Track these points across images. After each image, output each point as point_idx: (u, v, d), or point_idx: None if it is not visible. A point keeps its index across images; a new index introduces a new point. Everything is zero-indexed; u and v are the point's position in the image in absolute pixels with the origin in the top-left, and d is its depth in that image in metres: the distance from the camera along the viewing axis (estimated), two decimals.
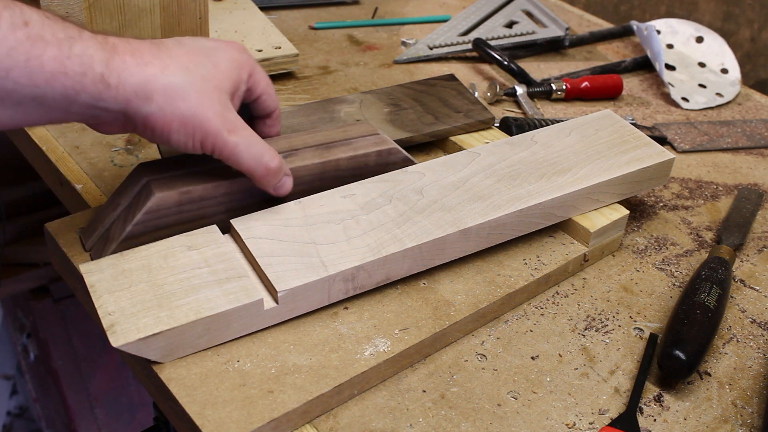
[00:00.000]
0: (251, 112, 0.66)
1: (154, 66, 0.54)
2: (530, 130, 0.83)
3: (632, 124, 0.91)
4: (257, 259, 0.61)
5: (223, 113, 0.57)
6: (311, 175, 0.67)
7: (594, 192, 0.72)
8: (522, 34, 1.13)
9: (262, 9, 1.13)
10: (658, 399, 0.62)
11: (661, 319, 0.69)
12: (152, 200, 0.61)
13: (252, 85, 0.62)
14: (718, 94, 1.07)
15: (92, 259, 0.62)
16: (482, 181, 0.71)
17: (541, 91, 1.01)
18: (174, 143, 0.57)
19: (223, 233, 0.64)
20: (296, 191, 0.66)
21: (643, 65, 1.12)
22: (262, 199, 0.65)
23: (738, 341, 0.68)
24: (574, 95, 1.02)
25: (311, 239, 0.63)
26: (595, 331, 0.67)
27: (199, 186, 0.62)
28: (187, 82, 0.55)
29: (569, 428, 0.58)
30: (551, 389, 0.61)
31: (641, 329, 0.68)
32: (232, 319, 0.58)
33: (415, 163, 0.72)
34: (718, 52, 1.14)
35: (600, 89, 1.03)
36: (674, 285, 0.73)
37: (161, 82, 0.54)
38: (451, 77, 0.95)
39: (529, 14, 1.20)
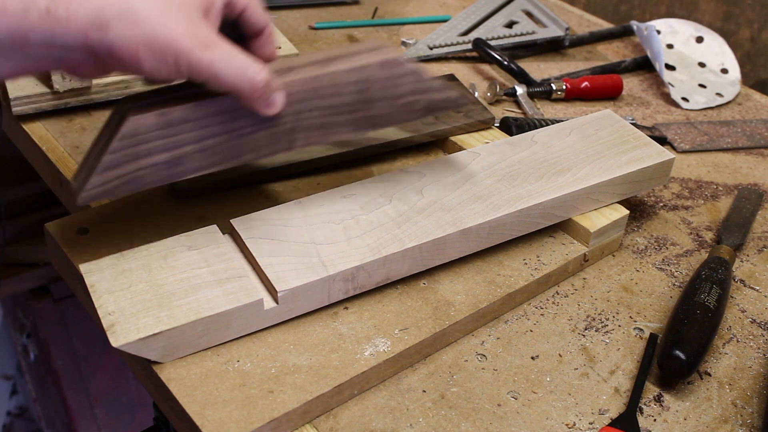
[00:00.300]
0: (239, 30, 0.60)
1: None
2: (530, 130, 0.83)
3: (632, 124, 0.91)
4: (257, 259, 0.61)
5: (193, 30, 0.52)
6: (306, 90, 0.60)
7: (594, 192, 0.72)
8: (522, 34, 1.13)
9: None
10: (658, 399, 0.62)
11: (661, 319, 0.69)
12: (127, 124, 0.55)
13: (230, 7, 0.57)
14: (718, 94, 1.07)
15: (76, 195, 0.57)
16: (482, 181, 0.71)
17: (541, 91, 1.01)
18: (148, 72, 0.52)
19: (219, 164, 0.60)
20: (290, 111, 0.60)
21: (643, 65, 1.12)
22: (253, 121, 0.59)
23: (738, 341, 0.68)
24: (574, 95, 1.02)
25: (311, 239, 0.63)
26: (595, 331, 0.67)
27: (177, 107, 0.56)
28: (145, 2, 0.51)
29: (569, 428, 0.58)
30: (551, 389, 0.61)
31: (641, 329, 0.68)
32: (232, 319, 0.58)
33: (433, 80, 0.65)
34: (718, 52, 1.14)
35: (600, 89, 1.03)
36: (674, 285, 0.73)
37: (116, 6, 0.50)
38: (451, 77, 0.95)
39: (529, 14, 1.20)
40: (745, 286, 0.74)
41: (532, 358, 0.64)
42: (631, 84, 1.08)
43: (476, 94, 0.97)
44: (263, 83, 0.55)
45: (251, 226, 0.63)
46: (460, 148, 0.84)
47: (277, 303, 0.59)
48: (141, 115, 0.55)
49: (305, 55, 0.65)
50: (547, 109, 1.00)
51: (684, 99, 1.05)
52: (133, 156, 0.56)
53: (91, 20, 0.49)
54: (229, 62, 0.54)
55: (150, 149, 0.56)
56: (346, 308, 0.64)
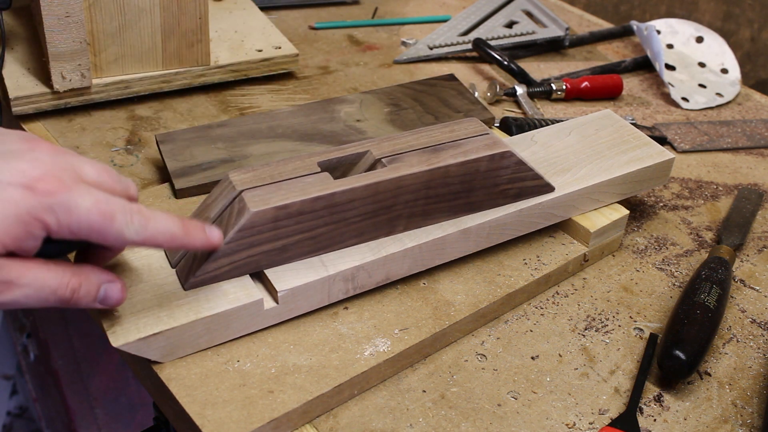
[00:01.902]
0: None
1: None
2: (530, 130, 0.83)
3: (632, 124, 0.91)
4: None
5: None
6: (418, 183, 0.62)
7: (594, 192, 0.72)
8: (522, 34, 1.13)
9: (262, 9, 1.13)
10: (658, 399, 0.62)
11: (661, 319, 0.69)
12: (247, 217, 0.56)
13: (68, 235, 0.48)
14: (718, 94, 1.07)
15: (179, 278, 0.58)
16: None
17: (541, 91, 1.01)
18: None
19: (322, 252, 0.61)
20: (401, 200, 0.62)
21: (643, 65, 1.12)
22: (363, 212, 0.61)
23: (738, 341, 0.68)
24: (574, 95, 1.02)
25: None
26: (595, 331, 0.67)
27: (296, 201, 0.58)
28: None
29: (569, 428, 0.58)
30: (551, 389, 0.61)
31: (641, 329, 0.68)
32: (232, 319, 0.58)
33: (531, 170, 0.67)
34: (718, 52, 1.14)
35: (600, 89, 1.03)
36: (674, 285, 0.73)
37: None
38: (451, 77, 0.95)
39: (529, 14, 1.20)
40: (745, 286, 0.74)
41: (532, 358, 0.64)
42: (631, 84, 1.08)
43: (476, 94, 0.97)
44: (71, 295, 0.50)
45: None
46: None
47: (277, 303, 0.59)
48: (262, 209, 0.57)
49: (407, 135, 0.66)
50: (547, 109, 1.00)
51: (684, 99, 1.05)
52: (248, 245, 0.58)
53: None
54: (35, 293, 0.48)
55: (264, 238, 0.58)
56: (346, 308, 0.64)
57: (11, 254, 0.47)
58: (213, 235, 0.55)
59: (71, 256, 0.59)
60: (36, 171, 0.48)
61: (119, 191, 0.52)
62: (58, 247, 0.50)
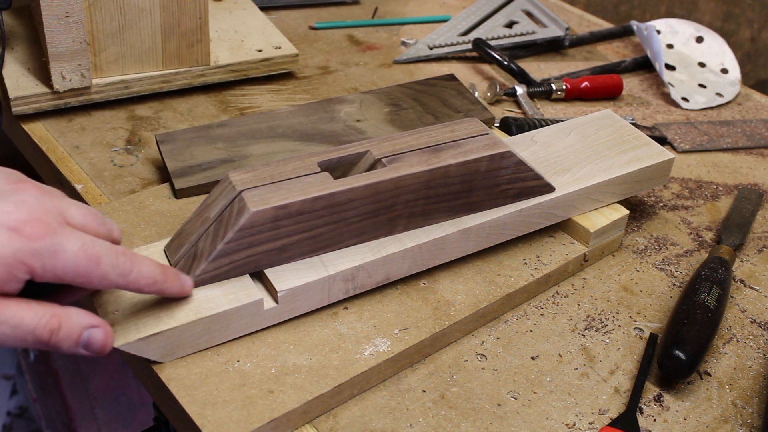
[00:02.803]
0: None
1: None
2: (530, 130, 0.83)
3: (632, 124, 0.91)
4: None
5: None
6: (418, 183, 0.62)
7: (594, 192, 0.72)
8: (522, 34, 1.13)
9: (262, 9, 1.13)
10: (658, 399, 0.62)
11: (661, 319, 0.69)
12: (247, 216, 0.57)
13: (52, 279, 0.48)
14: (718, 94, 1.07)
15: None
16: None
17: (541, 91, 1.01)
18: None
19: (320, 253, 0.61)
20: (401, 200, 0.62)
21: (643, 65, 1.12)
22: (362, 212, 0.61)
23: (738, 341, 0.68)
24: (574, 95, 1.02)
25: None
26: (595, 331, 0.67)
27: (296, 200, 0.58)
28: None
29: (569, 428, 0.58)
30: (551, 389, 0.61)
31: (641, 329, 0.68)
32: (232, 319, 0.58)
33: (531, 170, 0.67)
34: (718, 52, 1.14)
35: (600, 89, 1.03)
36: (674, 285, 0.73)
37: None
38: (451, 77, 0.95)
39: (529, 14, 1.20)
40: (745, 286, 0.74)
41: (532, 358, 0.64)
42: (631, 84, 1.08)
43: (476, 94, 0.97)
44: (49, 336, 0.49)
45: None
46: None
47: (277, 303, 0.59)
48: (261, 208, 0.57)
49: (407, 135, 0.66)
50: (547, 109, 1.00)
51: (684, 99, 1.05)
52: (247, 245, 0.58)
53: None
54: (12, 331, 0.47)
55: (264, 238, 0.58)
56: (346, 308, 0.64)
57: None
58: (186, 283, 0.56)
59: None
60: (22, 214, 0.47)
61: (103, 234, 0.52)
62: (37, 288, 0.49)
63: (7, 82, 0.85)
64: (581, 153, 0.75)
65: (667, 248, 0.77)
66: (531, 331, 0.66)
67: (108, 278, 0.49)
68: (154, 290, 0.53)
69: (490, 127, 0.87)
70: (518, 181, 0.67)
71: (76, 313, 0.50)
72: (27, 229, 0.47)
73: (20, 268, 0.46)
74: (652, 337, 0.65)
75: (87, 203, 0.75)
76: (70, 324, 0.49)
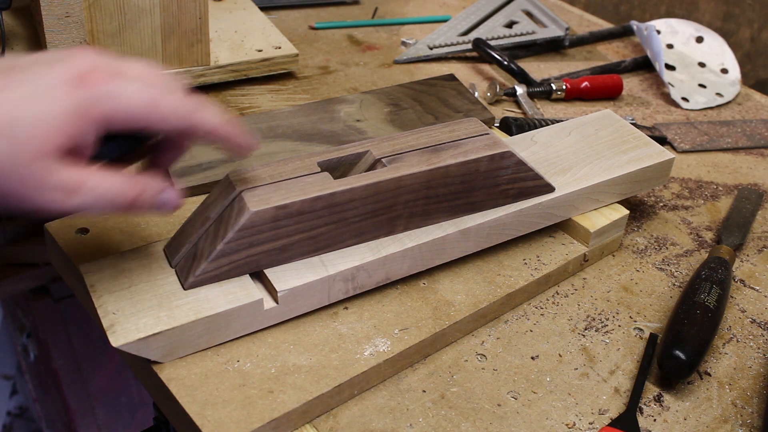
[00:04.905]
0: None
1: None
2: (530, 130, 0.83)
3: (632, 124, 0.91)
4: None
5: (50, 181, 0.47)
6: (418, 183, 0.62)
7: (594, 192, 0.72)
8: (522, 34, 1.13)
9: (262, 9, 1.13)
10: (658, 399, 0.62)
11: (661, 319, 0.69)
12: (247, 216, 0.57)
13: (117, 125, 0.49)
14: (718, 94, 1.07)
15: (178, 277, 0.59)
16: None
17: (541, 91, 1.01)
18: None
19: (320, 253, 0.61)
20: (401, 201, 0.62)
21: (643, 65, 1.12)
22: (362, 212, 0.61)
23: (738, 341, 0.68)
24: (574, 95, 1.02)
25: None
26: (595, 331, 0.67)
27: (296, 200, 0.58)
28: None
29: (569, 428, 0.58)
30: (551, 389, 0.61)
31: (641, 329, 0.68)
32: (232, 319, 0.58)
33: (531, 170, 0.67)
34: (718, 52, 1.14)
35: (600, 89, 1.03)
36: (674, 285, 0.73)
37: None
38: (451, 77, 0.95)
39: (529, 14, 1.20)
40: (745, 286, 0.74)
41: (532, 358, 0.64)
42: (631, 84, 1.08)
43: (476, 94, 0.97)
44: (132, 200, 0.51)
45: None
46: None
47: (277, 303, 0.59)
48: (261, 208, 0.57)
49: (407, 135, 0.66)
50: (547, 109, 1.00)
51: (684, 99, 1.05)
52: (247, 245, 0.58)
53: None
54: (99, 199, 0.50)
55: (264, 238, 0.58)
56: (346, 308, 0.64)
57: (72, 162, 0.48)
58: (250, 143, 0.55)
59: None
60: (77, 68, 0.48)
61: (162, 82, 0.53)
62: (114, 149, 0.52)
63: None
64: (581, 153, 0.75)
65: (667, 248, 0.77)
66: (531, 331, 0.66)
67: (168, 120, 0.50)
68: (214, 137, 0.53)
69: (490, 127, 0.87)
70: (518, 181, 0.67)
71: (152, 178, 0.52)
72: (84, 79, 0.48)
73: (86, 119, 0.47)
74: (652, 337, 0.65)
75: None
76: (149, 188, 0.52)
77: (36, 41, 0.92)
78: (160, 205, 0.53)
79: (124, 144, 0.53)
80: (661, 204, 0.84)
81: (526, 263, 0.70)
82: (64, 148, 0.47)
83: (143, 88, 0.49)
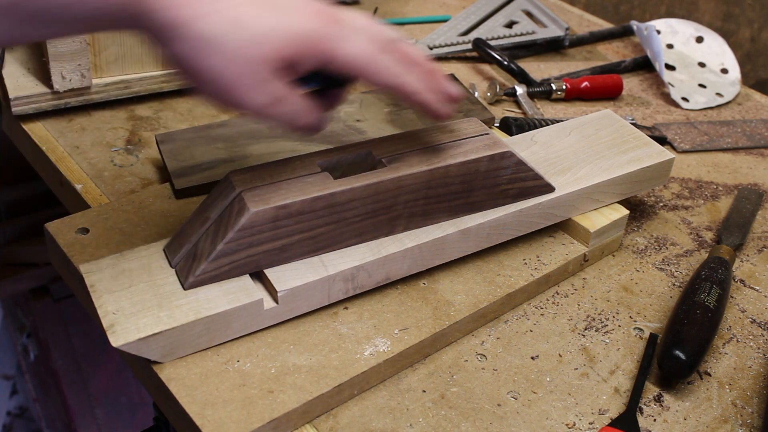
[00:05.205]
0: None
1: (195, 8, 0.48)
2: (530, 130, 0.83)
3: (632, 124, 0.91)
4: None
5: (262, 86, 0.51)
6: (418, 183, 0.62)
7: (594, 192, 0.72)
8: (522, 34, 1.13)
9: None
10: (658, 399, 0.62)
11: (661, 319, 0.69)
12: (247, 216, 0.57)
13: (332, 65, 0.54)
14: (718, 94, 1.07)
15: (178, 277, 0.59)
16: None
17: (541, 91, 1.01)
18: (201, 96, 0.53)
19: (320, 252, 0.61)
20: (401, 201, 0.62)
21: (643, 65, 1.12)
22: (362, 212, 0.61)
23: (738, 341, 0.68)
24: (574, 95, 1.02)
25: None
26: (595, 331, 0.67)
27: (296, 200, 0.58)
28: (226, 40, 0.49)
29: (569, 428, 0.58)
30: (551, 389, 0.61)
31: (641, 329, 0.68)
32: (232, 319, 0.58)
33: (531, 170, 0.67)
34: (718, 52, 1.14)
35: (600, 89, 1.03)
36: (674, 285, 0.73)
37: (195, 28, 0.48)
38: (452, 77, 0.95)
39: (529, 14, 1.20)
40: (745, 286, 0.74)
41: (532, 358, 0.64)
42: (631, 84, 1.08)
43: (476, 94, 0.97)
44: (311, 127, 0.57)
45: None
46: None
47: (277, 303, 0.59)
48: (261, 208, 0.57)
49: (406, 135, 0.66)
50: (547, 109, 1.00)
51: (684, 99, 1.05)
52: (247, 245, 0.58)
53: (163, 26, 0.49)
54: (293, 114, 0.54)
55: (264, 238, 0.58)
56: (346, 308, 0.64)
57: (281, 78, 0.52)
58: (446, 111, 0.59)
59: None
60: (317, 4, 0.53)
61: (382, 38, 0.56)
62: (313, 82, 0.56)
63: (7, 82, 0.85)
64: (581, 153, 0.75)
65: (667, 248, 0.77)
66: (531, 331, 0.66)
67: (380, 75, 0.55)
68: (413, 102, 0.57)
69: (490, 127, 0.87)
70: (518, 181, 0.67)
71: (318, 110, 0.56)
72: (323, 15, 0.53)
73: (312, 49, 0.52)
74: (652, 337, 0.65)
75: (87, 203, 0.75)
76: (320, 120, 0.57)
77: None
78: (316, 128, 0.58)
79: (324, 81, 0.57)
80: (661, 204, 0.84)
81: (526, 263, 0.70)
82: (285, 63, 0.51)
83: (366, 42, 0.54)
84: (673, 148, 0.94)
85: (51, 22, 0.47)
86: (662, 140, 0.94)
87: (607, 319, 0.68)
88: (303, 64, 0.52)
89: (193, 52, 0.49)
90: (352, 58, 0.53)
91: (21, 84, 0.85)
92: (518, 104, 1.00)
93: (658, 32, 1.16)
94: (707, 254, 0.75)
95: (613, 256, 0.75)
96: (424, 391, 0.60)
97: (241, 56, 0.50)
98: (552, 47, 1.15)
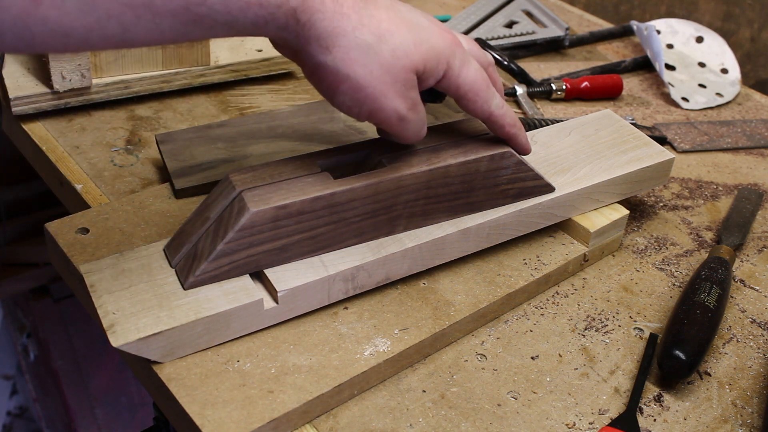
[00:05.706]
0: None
1: (349, 19, 0.52)
2: (530, 130, 0.83)
3: (632, 124, 0.91)
4: None
5: (404, 92, 0.56)
6: (418, 183, 0.62)
7: (594, 192, 0.72)
8: (522, 34, 1.13)
9: None
10: (658, 399, 0.62)
11: (661, 319, 0.69)
12: (247, 216, 0.57)
13: (446, 84, 0.59)
14: (718, 94, 1.07)
15: (178, 277, 0.59)
16: None
17: (541, 91, 1.01)
18: (337, 104, 0.55)
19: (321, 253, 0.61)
20: (401, 201, 0.62)
21: (643, 65, 1.12)
22: (362, 211, 0.61)
23: (738, 341, 0.68)
24: (574, 95, 1.02)
25: None
26: (595, 331, 0.67)
27: (296, 200, 0.58)
28: (375, 50, 0.53)
29: (569, 428, 0.58)
30: (551, 389, 0.61)
31: (641, 329, 0.68)
32: (232, 319, 0.58)
33: (531, 171, 0.67)
34: (718, 52, 1.14)
35: (600, 89, 1.03)
36: (674, 285, 0.73)
37: (349, 38, 0.52)
38: None
39: (529, 14, 1.20)
40: (745, 286, 0.74)
41: (532, 358, 0.64)
42: (631, 84, 1.08)
43: None
44: (422, 137, 0.61)
45: None
46: None
47: (277, 303, 0.59)
48: (262, 208, 0.57)
49: None
50: (547, 109, 1.00)
51: (684, 99, 1.05)
52: (247, 245, 0.58)
53: (320, 36, 0.52)
54: (415, 126, 0.58)
55: (264, 238, 0.58)
56: (346, 308, 0.64)
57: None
58: (529, 147, 0.66)
59: None
60: (443, 25, 0.58)
61: (484, 63, 0.63)
62: (424, 96, 0.60)
63: (7, 82, 0.85)
64: (581, 153, 0.75)
65: (667, 248, 0.77)
66: (531, 331, 0.66)
67: (486, 105, 0.60)
68: (506, 133, 0.63)
69: None
70: (518, 181, 0.67)
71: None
72: (449, 35, 0.58)
73: (442, 65, 0.57)
74: (652, 337, 0.65)
75: (87, 203, 0.75)
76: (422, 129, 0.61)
77: None
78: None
79: (430, 97, 0.62)
80: (661, 204, 0.84)
81: (526, 263, 0.70)
82: (419, 75, 0.56)
83: (478, 69, 0.59)
84: (673, 148, 0.94)
85: (212, 26, 0.50)
86: (662, 140, 0.94)
87: (607, 319, 0.68)
88: (430, 78, 0.57)
89: (349, 59, 0.53)
90: (466, 82, 0.58)
91: (21, 84, 0.85)
92: (518, 104, 1.00)
93: (658, 32, 1.16)
94: (707, 254, 0.75)
95: (613, 256, 0.75)
96: (424, 391, 0.60)
97: (391, 64, 0.54)
98: (552, 47, 1.15)
